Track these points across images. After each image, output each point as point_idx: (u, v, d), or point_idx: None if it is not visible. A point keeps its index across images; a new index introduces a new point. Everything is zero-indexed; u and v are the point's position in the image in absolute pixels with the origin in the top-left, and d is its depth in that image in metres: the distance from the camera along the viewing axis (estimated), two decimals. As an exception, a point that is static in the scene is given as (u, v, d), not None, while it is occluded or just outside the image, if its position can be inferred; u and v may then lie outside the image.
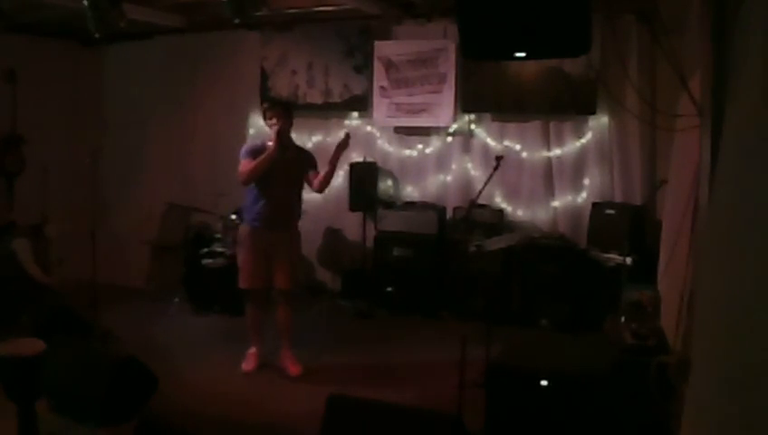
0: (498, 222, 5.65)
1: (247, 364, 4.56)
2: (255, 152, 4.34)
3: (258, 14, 4.66)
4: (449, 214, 5.97)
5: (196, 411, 3.83)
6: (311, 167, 4.46)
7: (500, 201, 5.82)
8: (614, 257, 4.86)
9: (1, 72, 6.36)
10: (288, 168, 4.35)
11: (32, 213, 6.30)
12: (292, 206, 4.51)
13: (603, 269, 4.99)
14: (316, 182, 4.39)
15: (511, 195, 5.81)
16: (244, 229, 4.52)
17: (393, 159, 6.27)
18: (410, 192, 6.24)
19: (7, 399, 3.35)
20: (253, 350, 4.60)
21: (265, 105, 4.74)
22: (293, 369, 4.48)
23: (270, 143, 4.34)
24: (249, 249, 4.43)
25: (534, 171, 5.70)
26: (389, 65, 6.08)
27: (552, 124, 5.64)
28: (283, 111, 4.40)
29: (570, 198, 5.63)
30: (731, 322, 1.77)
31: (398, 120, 6.12)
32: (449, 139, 6.04)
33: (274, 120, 4.31)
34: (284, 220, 4.44)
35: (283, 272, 4.43)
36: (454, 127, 5.96)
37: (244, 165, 4.32)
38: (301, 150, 4.60)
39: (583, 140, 5.54)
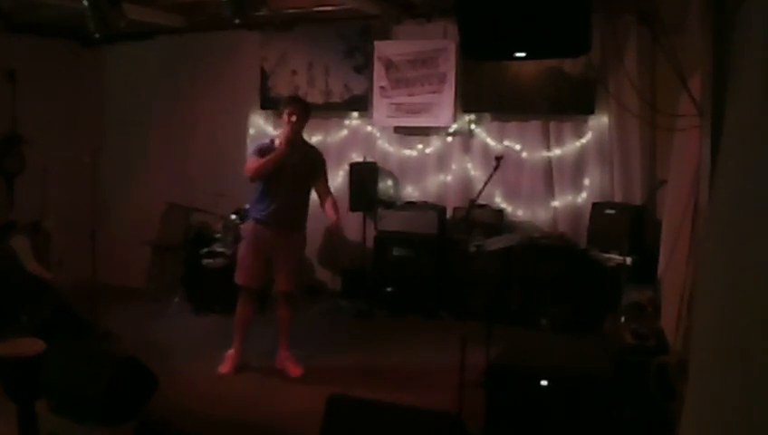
0: (498, 222, 5.64)
1: (224, 367, 4.47)
2: (264, 151, 4.32)
3: (258, 14, 4.67)
4: (449, 214, 5.97)
5: (197, 411, 3.83)
6: (320, 173, 4.46)
7: (500, 201, 5.82)
8: (614, 257, 4.85)
9: (1, 72, 6.36)
10: (297, 169, 4.31)
11: (31, 213, 6.31)
12: (300, 208, 4.46)
13: (603, 269, 4.98)
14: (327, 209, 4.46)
15: (511, 195, 5.81)
16: (248, 225, 4.52)
17: (393, 159, 6.27)
18: (410, 192, 6.23)
19: (7, 399, 3.35)
20: (231, 351, 4.52)
21: (285, 100, 4.56)
22: (294, 370, 4.47)
23: (277, 141, 4.34)
24: (251, 246, 4.42)
25: (534, 171, 5.70)
26: (389, 65, 6.07)
27: (551, 124, 5.64)
28: (303, 108, 4.37)
29: (570, 197, 5.62)
30: (731, 322, 1.77)
31: (398, 120, 6.12)
32: (449, 139, 6.04)
33: (294, 117, 4.26)
34: (291, 221, 4.41)
35: (285, 274, 4.42)
36: (454, 127, 5.96)
37: (252, 162, 4.30)
38: (312, 152, 4.52)
39: (583, 140, 5.54)
